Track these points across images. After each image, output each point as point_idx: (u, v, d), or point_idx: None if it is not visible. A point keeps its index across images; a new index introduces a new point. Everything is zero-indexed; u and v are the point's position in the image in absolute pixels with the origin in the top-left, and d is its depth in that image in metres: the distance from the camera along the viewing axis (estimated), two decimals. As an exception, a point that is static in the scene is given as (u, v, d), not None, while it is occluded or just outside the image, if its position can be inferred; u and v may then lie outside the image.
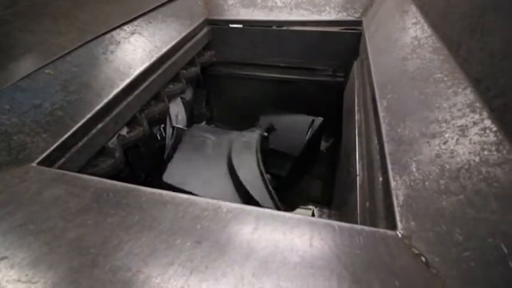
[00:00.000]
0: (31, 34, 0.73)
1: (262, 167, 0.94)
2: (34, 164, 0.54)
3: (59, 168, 0.60)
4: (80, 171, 0.66)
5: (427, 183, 0.41)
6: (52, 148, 0.58)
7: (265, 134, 1.15)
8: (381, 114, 0.59)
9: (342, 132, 1.04)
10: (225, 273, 0.33)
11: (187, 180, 0.87)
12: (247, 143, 1.02)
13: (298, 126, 1.24)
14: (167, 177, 0.87)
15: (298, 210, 1.22)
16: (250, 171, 0.92)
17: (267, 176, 0.92)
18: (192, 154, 0.97)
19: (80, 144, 0.66)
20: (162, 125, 1.15)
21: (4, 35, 0.69)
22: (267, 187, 0.88)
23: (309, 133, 1.20)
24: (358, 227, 0.39)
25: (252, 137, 1.07)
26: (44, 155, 0.57)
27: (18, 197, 0.44)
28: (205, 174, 0.91)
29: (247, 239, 0.37)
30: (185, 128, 1.24)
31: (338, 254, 0.35)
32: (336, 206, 1.02)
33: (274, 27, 1.28)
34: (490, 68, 0.44)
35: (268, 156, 1.15)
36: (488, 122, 0.40)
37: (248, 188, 0.86)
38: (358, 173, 0.66)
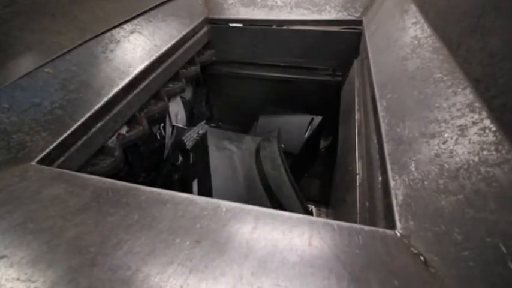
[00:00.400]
0: (30, 33, 0.73)
1: (293, 182, 0.92)
2: (33, 163, 0.54)
3: (58, 167, 0.60)
4: (79, 170, 0.66)
5: (426, 182, 0.41)
6: (51, 147, 0.58)
7: (283, 145, 1.12)
8: (381, 113, 0.59)
9: (339, 131, 1.04)
10: (224, 273, 0.33)
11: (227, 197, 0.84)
12: (273, 159, 1.00)
13: (297, 124, 1.24)
14: (216, 194, 0.84)
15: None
16: (284, 189, 0.90)
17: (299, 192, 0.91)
18: (225, 172, 0.93)
19: (80, 143, 0.66)
20: (162, 124, 1.15)
21: (3, 34, 0.69)
22: (300, 200, 0.88)
23: (308, 131, 1.20)
24: (357, 226, 0.39)
25: (275, 151, 1.04)
26: (44, 153, 0.56)
27: (18, 196, 0.44)
28: (244, 196, 0.89)
29: (247, 238, 0.37)
30: (185, 128, 1.24)
31: (337, 253, 0.35)
32: (334, 205, 1.02)
33: (274, 27, 1.28)
34: (490, 68, 0.44)
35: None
36: (487, 122, 0.40)
37: (284, 204, 0.85)
38: (357, 172, 0.67)
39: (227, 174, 0.92)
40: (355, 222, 0.55)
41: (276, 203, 0.87)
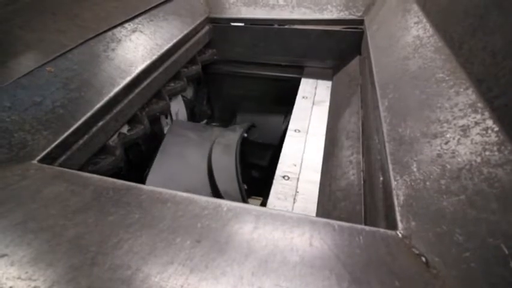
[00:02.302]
0: (31, 31, 0.73)
1: (239, 171, 0.94)
2: (35, 162, 0.54)
3: (59, 166, 0.60)
4: (80, 169, 0.66)
5: (428, 183, 0.41)
6: (53, 146, 0.58)
7: (245, 134, 1.17)
8: (382, 113, 0.59)
9: (328, 127, 1.02)
10: (225, 272, 0.33)
11: (169, 185, 0.86)
12: (227, 145, 1.03)
13: (275, 118, 1.29)
14: (150, 183, 0.85)
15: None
16: (228, 177, 0.92)
17: (244, 187, 0.92)
18: (173, 156, 0.96)
19: (81, 142, 0.66)
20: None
21: (4, 33, 0.69)
22: (240, 187, 0.90)
23: (285, 122, 1.22)
24: (358, 226, 0.39)
25: (232, 138, 1.07)
26: (45, 152, 0.57)
27: (19, 195, 0.44)
28: (185, 179, 0.91)
29: (247, 238, 0.37)
30: (183, 121, 1.25)
31: (338, 253, 0.35)
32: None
33: (275, 26, 1.27)
34: (492, 67, 0.43)
35: (249, 148, 1.19)
36: (490, 122, 0.40)
37: (220, 188, 0.87)
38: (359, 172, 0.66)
39: (174, 154, 0.95)
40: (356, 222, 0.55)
41: (214, 186, 0.88)
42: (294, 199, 0.76)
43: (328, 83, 1.25)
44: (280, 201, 0.76)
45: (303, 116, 1.08)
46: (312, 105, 1.13)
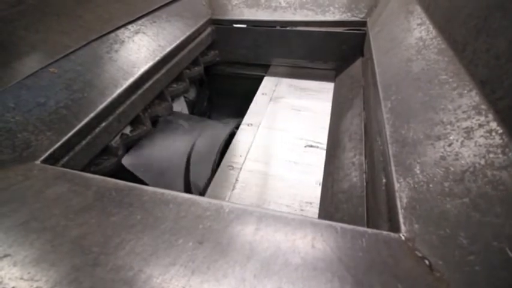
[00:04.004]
0: (35, 33, 0.74)
1: (215, 162, 0.95)
2: (38, 162, 0.54)
3: (62, 166, 0.60)
4: (83, 170, 0.66)
5: (431, 185, 0.40)
6: (56, 146, 0.59)
7: (236, 130, 1.17)
8: (385, 115, 0.59)
9: (330, 129, 1.03)
10: (227, 274, 0.33)
11: (144, 167, 0.87)
12: (214, 138, 1.04)
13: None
14: (126, 160, 0.85)
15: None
16: (203, 169, 0.92)
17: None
18: (160, 141, 0.96)
19: (84, 142, 0.66)
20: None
21: (9, 34, 0.70)
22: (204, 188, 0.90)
23: None
24: (361, 229, 0.39)
25: (222, 133, 1.08)
26: (48, 153, 0.57)
27: (22, 195, 0.45)
28: (162, 165, 0.91)
29: (249, 240, 0.37)
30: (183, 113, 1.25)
31: (340, 256, 0.35)
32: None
33: (278, 28, 1.28)
34: (496, 69, 0.43)
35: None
36: (493, 125, 0.40)
37: (192, 179, 0.87)
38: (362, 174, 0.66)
39: (159, 143, 0.96)
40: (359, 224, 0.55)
41: (187, 176, 0.90)
42: (233, 187, 0.82)
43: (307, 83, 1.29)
44: (218, 189, 0.81)
45: (258, 111, 1.14)
46: (269, 101, 1.20)
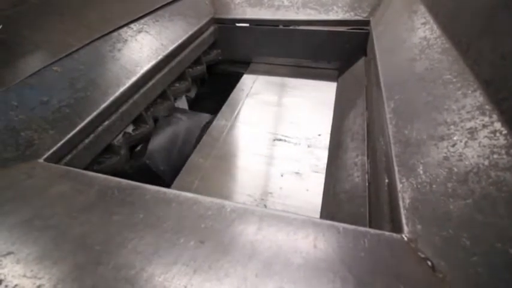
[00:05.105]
0: (39, 32, 0.74)
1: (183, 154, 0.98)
2: (41, 160, 0.55)
3: (65, 164, 0.60)
4: (85, 168, 0.67)
5: (434, 186, 0.40)
6: (59, 145, 0.59)
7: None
8: (388, 115, 0.59)
9: (333, 128, 1.02)
10: (228, 274, 0.33)
11: (165, 168, 0.92)
12: (192, 126, 1.07)
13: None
14: (148, 158, 0.89)
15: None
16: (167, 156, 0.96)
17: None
18: (169, 140, 1.00)
19: (87, 141, 0.66)
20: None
21: (12, 33, 0.70)
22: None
23: None
24: (363, 229, 0.38)
25: (199, 123, 1.11)
26: (51, 151, 0.57)
27: (25, 193, 0.45)
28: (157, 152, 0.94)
29: (251, 240, 0.37)
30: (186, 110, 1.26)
31: (342, 256, 0.34)
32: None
33: (280, 27, 1.27)
34: (500, 69, 0.43)
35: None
36: (498, 125, 0.40)
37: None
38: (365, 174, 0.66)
39: (164, 133, 0.99)
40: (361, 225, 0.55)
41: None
42: (201, 177, 0.86)
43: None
44: (184, 177, 0.86)
45: (233, 106, 1.17)
46: (245, 97, 1.21)
